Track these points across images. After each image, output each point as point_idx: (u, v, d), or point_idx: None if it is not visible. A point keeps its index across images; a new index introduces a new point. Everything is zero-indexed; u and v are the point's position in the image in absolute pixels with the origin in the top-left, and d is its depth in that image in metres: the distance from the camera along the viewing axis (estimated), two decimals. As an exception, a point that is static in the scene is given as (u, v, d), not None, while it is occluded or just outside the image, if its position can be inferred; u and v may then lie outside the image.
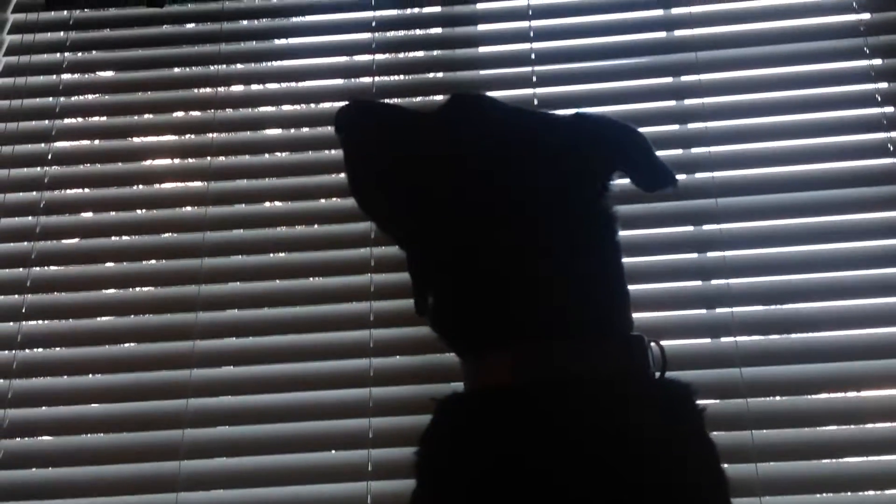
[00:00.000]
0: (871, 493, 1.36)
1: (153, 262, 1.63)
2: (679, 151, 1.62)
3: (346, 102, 1.00)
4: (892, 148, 1.56)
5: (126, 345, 1.57)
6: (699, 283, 1.54)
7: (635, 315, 0.95)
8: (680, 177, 1.56)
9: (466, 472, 0.81)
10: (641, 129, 1.57)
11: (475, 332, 0.91)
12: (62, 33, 1.83)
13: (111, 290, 1.62)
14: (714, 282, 1.52)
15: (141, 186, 1.70)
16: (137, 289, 1.62)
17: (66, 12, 1.84)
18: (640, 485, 0.77)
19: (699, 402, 0.89)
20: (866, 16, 1.67)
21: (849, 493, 1.37)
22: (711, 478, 0.85)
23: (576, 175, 0.96)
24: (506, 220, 0.91)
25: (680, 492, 0.79)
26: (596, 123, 1.02)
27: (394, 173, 0.97)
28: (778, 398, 1.43)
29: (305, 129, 1.73)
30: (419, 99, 1.72)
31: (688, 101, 1.65)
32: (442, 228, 0.94)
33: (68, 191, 1.71)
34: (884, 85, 1.61)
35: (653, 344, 0.92)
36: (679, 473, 0.80)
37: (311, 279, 1.58)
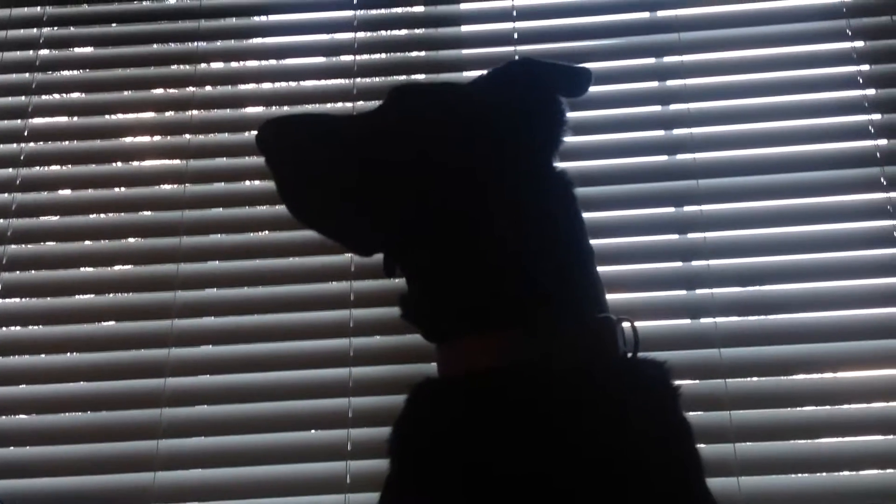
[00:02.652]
0: (847, 473, 1.38)
1: (131, 240, 1.61)
2: (661, 133, 1.62)
3: (266, 121, 0.97)
4: (872, 130, 1.56)
5: (104, 323, 1.56)
6: (680, 264, 1.54)
7: (616, 296, 0.95)
8: (661, 158, 1.59)
9: (438, 457, 0.81)
10: (623, 111, 1.60)
11: (443, 320, 0.91)
12: (38, 8, 1.80)
13: (89, 269, 1.61)
14: (694, 263, 1.52)
15: (119, 164, 1.68)
16: (115, 267, 1.61)
17: (43, -13, 1.81)
18: (609, 463, 0.77)
19: (676, 382, 0.89)
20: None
21: (825, 474, 1.38)
22: (685, 457, 0.85)
23: (522, 140, 0.96)
24: (461, 207, 0.91)
25: (651, 471, 0.79)
26: (528, 74, 1.01)
27: (330, 179, 0.95)
28: (756, 379, 1.44)
29: (286, 108, 1.72)
30: (402, 77, 1.71)
31: (670, 83, 1.65)
32: (400, 226, 0.93)
33: (45, 167, 1.69)
34: (865, 67, 1.61)
35: (626, 324, 0.92)
36: (650, 453, 0.80)
37: (291, 258, 1.57)
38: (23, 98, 1.72)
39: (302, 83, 1.74)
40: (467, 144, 0.94)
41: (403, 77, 1.71)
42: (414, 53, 1.74)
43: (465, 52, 1.72)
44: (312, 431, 1.46)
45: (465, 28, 1.75)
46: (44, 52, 1.77)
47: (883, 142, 1.55)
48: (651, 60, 1.68)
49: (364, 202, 0.94)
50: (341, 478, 1.40)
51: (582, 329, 0.88)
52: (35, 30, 1.78)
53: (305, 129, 0.98)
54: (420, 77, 1.70)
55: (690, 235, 1.54)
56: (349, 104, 1.67)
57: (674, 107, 1.63)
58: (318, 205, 0.97)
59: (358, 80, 1.69)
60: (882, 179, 1.53)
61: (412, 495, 0.83)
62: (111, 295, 1.58)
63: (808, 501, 1.35)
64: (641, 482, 0.78)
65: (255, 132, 0.97)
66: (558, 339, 0.85)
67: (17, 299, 1.59)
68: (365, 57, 1.72)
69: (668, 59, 1.67)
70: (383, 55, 1.75)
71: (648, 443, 0.81)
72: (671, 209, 1.57)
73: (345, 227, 0.99)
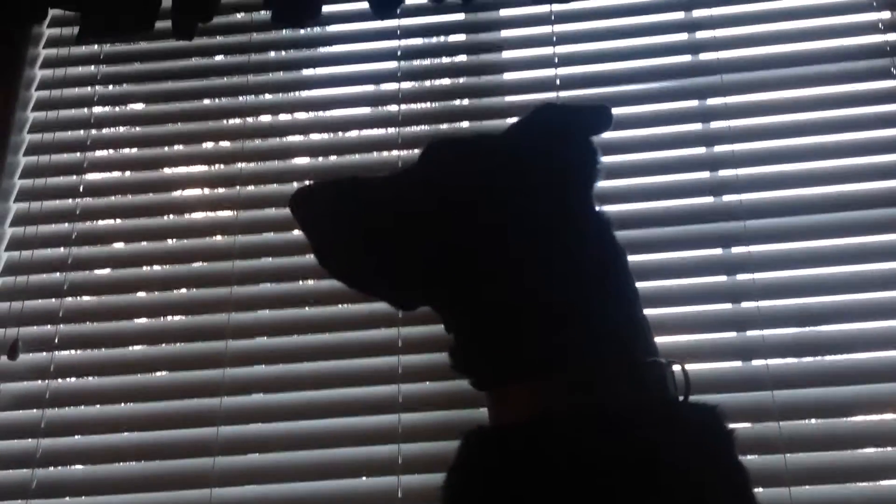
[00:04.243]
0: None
1: (184, 290, 1.64)
2: (706, 174, 1.62)
3: (298, 188, 1.00)
4: (922, 167, 1.55)
5: (158, 373, 1.58)
6: (729, 305, 1.53)
7: (667, 339, 0.94)
8: (707, 199, 1.58)
9: None
10: (667, 153, 1.60)
11: (491, 369, 0.91)
12: (93, 67, 1.86)
13: (143, 320, 1.64)
14: (744, 304, 1.51)
15: (171, 216, 1.72)
16: (168, 318, 1.64)
17: (96, 46, 1.87)
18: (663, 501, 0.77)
19: (729, 425, 0.88)
20: (892, 36, 1.66)
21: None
22: (742, 502, 0.84)
23: (557, 185, 0.96)
24: (499, 257, 0.91)
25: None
26: (557, 118, 1.03)
27: (362, 242, 0.97)
28: (811, 421, 1.41)
29: (333, 158, 1.75)
30: (445, 126, 1.73)
31: (714, 124, 1.65)
32: (444, 282, 0.94)
33: (100, 222, 1.73)
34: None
35: (676, 367, 0.91)
36: (707, 499, 0.79)
37: (340, 306, 1.58)
38: (78, 154, 1.77)
39: (347, 133, 1.77)
40: (500, 194, 0.95)
41: (447, 125, 1.73)
42: (457, 102, 1.76)
43: (508, 98, 1.74)
44: (363, 479, 1.47)
45: (507, 76, 1.77)
46: (98, 109, 1.83)
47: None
48: (695, 103, 1.68)
49: (397, 262, 0.96)
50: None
51: (629, 373, 0.87)
52: (89, 88, 1.84)
53: (336, 194, 1.00)
54: (464, 124, 1.72)
55: (739, 277, 1.53)
56: (395, 152, 1.70)
57: (718, 148, 1.63)
58: (354, 266, 0.99)
59: (403, 129, 1.72)
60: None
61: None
62: (165, 346, 1.61)
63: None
64: None
65: (302, 182, 0.99)
66: (605, 384, 0.85)
67: (73, 351, 1.62)
68: (409, 106, 1.75)
69: (711, 102, 1.68)
70: (427, 104, 1.78)
71: (704, 488, 0.80)
72: (719, 251, 1.57)
73: (382, 284, 1.00)
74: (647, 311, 0.94)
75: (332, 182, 1.03)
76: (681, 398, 0.89)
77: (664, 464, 0.79)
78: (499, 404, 0.90)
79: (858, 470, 1.38)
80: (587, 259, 0.93)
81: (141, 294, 1.65)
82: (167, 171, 1.77)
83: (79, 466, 1.54)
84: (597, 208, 0.99)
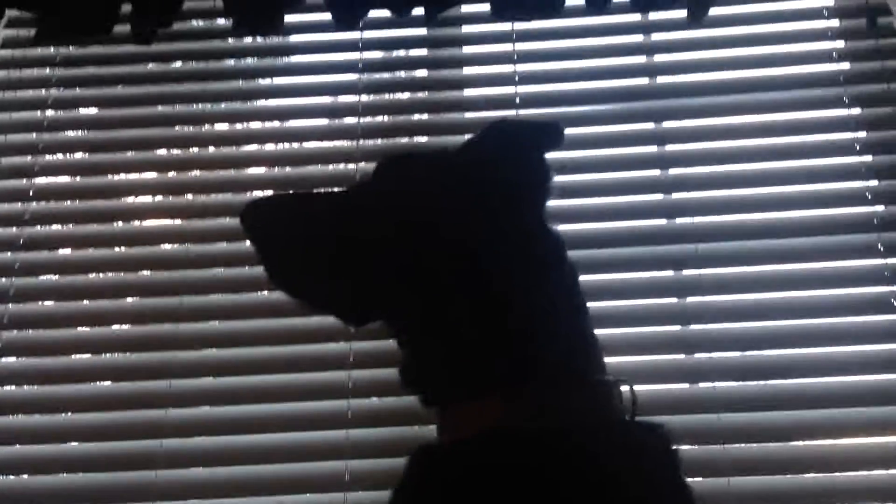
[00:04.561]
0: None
1: (131, 299, 1.61)
2: (660, 196, 1.63)
3: (249, 202, 1.00)
4: (869, 196, 1.57)
5: (102, 383, 1.56)
6: (678, 327, 1.54)
7: (616, 359, 0.94)
8: (660, 222, 1.59)
9: None
10: (623, 174, 1.62)
11: (442, 386, 0.91)
12: (48, 69, 1.83)
13: (88, 328, 1.61)
14: (693, 326, 1.53)
15: (121, 223, 1.69)
16: (115, 327, 1.61)
17: (52, 49, 1.84)
18: None
19: (675, 446, 0.88)
20: (845, 65, 1.69)
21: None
22: None
23: (509, 202, 0.96)
24: (456, 276, 0.91)
25: None
26: (510, 134, 1.04)
27: (311, 257, 0.97)
28: (756, 445, 1.42)
29: (288, 169, 1.74)
30: (405, 140, 1.73)
31: (669, 147, 1.67)
32: (395, 299, 0.94)
33: (49, 227, 1.70)
34: (862, 134, 1.63)
35: (624, 387, 0.91)
36: None
37: (291, 319, 1.56)
38: (29, 158, 1.74)
39: (305, 144, 1.75)
40: (453, 211, 0.95)
41: (406, 139, 1.73)
42: (417, 116, 1.76)
43: (468, 115, 1.74)
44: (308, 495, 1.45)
45: (467, 92, 1.77)
46: (51, 112, 1.79)
47: (880, 208, 1.57)
48: (651, 125, 1.70)
49: (348, 277, 0.96)
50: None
51: (580, 391, 0.87)
52: (44, 91, 1.81)
53: (286, 210, 1.00)
54: (423, 139, 1.72)
55: (689, 299, 1.54)
56: (352, 165, 1.69)
57: (673, 171, 1.64)
58: (304, 281, 0.99)
59: (361, 142, 1.71)
60: (879, 246, 1.53)
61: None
62: (110, 355, 1.58)
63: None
64: None
65: (256, 192, 0.99)
66: (553, 402, 0.85)
67: (15, 358, 1.59)
68: (368, 119, 1.75)
69: (667, 125, 1.69)
70: (387, 118, 1.77)
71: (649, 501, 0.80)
72: (670, 273, 1.58)
73: (332, 300, 1.00)
74: (598, 331, 0.95)
75: (284, 196, 1.04)
76: (628, 417, 0.90)
77: (611, 482, 0.79)
78: (449, 421, 0.90)
79: (801, 493, 1.39)
80: (540, 277, 0.93)
81: (86, 302, 1.62)
82: (119, 176, 1.74)
83: (21, 477, 1.51)
84: (550, 226, 0.99)
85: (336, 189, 1.06)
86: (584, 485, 0.79)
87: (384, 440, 1.46)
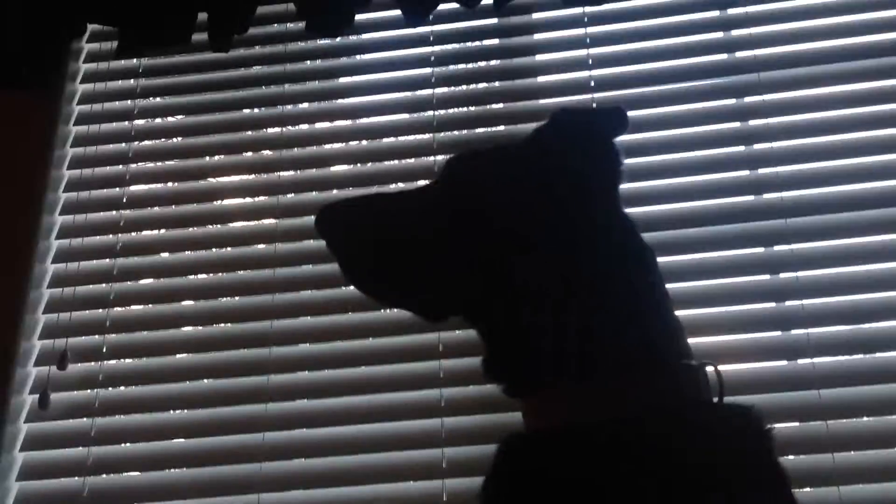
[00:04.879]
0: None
1: (227, 299, 1.66)
2: (746, 172, 1.61)
3: (323, 206, 1.02)
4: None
5: (204, 381, 1.61)
6: (773, 304, 1.52)
7: (710, 339, 0.93)
8: (748, 198, 1.58)
9: None
10: (706, 152, 1.60)
11: (521, 377, 0.92)
12: (132, 80, 1.89)
13: (188, 328, 1.66)
14: (788, 303, 1.51)
15: (214, 226, 1.74)
16: (213, 326, 1.66)
17: (135, 60, 1.90)
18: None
19: (768, 425, 0.87)
20: None
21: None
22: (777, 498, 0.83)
23: (581, 190, 0.96)
24: (532, 268, 0.92)
25: None
26: (577, 122, 1.04)
27: (387, 257, 0.99)
28: (859, 419, 1.40)
29: (370, 164, 1.76)
30: (481, 130, 1.74)
31: (752, 122, 1.65)
32: (472, 293, 0.95)
33: (143, 232, 1.76)
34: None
35: (710, 368, 0.91)
36: (745, 501, 0.79)
37: (382, 311, 1.59)
38: (120, 167, 1.80)
39: (384, 140, 1.78)
40: (525, 203, 0.96)
41: (482, 129, 1.74)
42: (492, 106, 1.77)
43: (543, 101, 1.74)
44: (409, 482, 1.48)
45: (541, 79, 1.77)
46: (138, 121, 1.85)
47: None
48: (732, 101, 1.68)
49: (422, 275, 0.98)
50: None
51: (661, 378, 0.87)
52: (129, 101, 1.87)
53: (359, 211, 1.02)
54: (499, 128, 1.73)
55: (782, 275, 1.52)
56: (430, 158, 1.71)
57: (757, 146, 1.62)
58: (379, 281, 1.01)
59: (438, 134, 1.73)
60: None
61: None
62: (210, 353, 1.63)
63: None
64: None
65: (339, 190, 1.02)
66: (636, 390, 0.85)
67: (121, 360, 1.64)
68: (444, 112, 1.76)
69: (748, 100, 1.67)
70: (462, 109, 1.78)
71: (741, 490, 0.79)
72: (761, 249, 1.56)
73: (409, 298, 1.02)
74: (689, 312, 0.94)
75: (357, 198, 1.06)
76: (715, 399, 0.89)
77: (699, 467, 0.79)
78: (531, 411, 0.91)
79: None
80: (615, 264, 0.93)
81: (186, 302, 1.67)
82: (208, 181, 1.79)
83: (129, 473, 1.57)
84: (623, 212, 0.99)
85: (408, 187, 1.07)
86: (669, 472, 0.78)
87: (478, 427, 1.48)
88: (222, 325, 1.66)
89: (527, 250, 0.92)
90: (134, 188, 1.79)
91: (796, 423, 1.41)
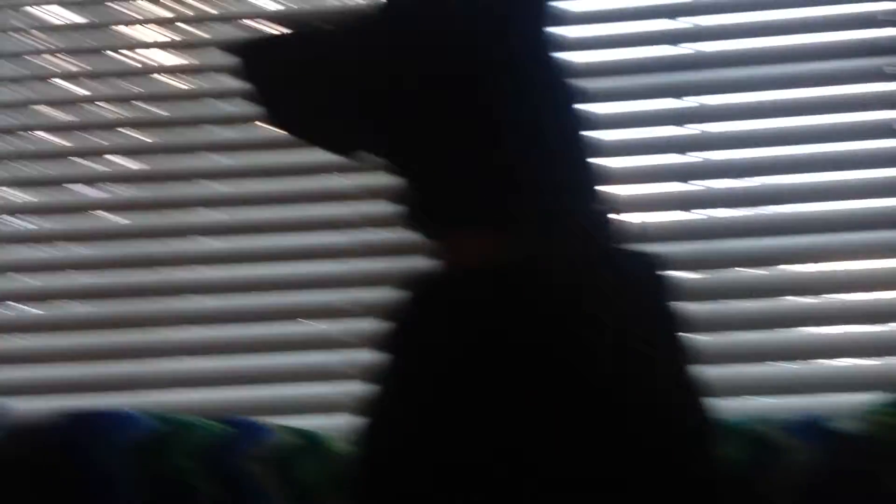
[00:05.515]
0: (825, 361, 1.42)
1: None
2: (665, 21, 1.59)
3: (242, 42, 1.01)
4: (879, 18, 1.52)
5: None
6: (677, 156, 1.54)
7: (612, 189, 0.95)
8: (666, 49, 1.57)
9: (446, 347, 0.84)
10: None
11: (445, 214, 0.93)
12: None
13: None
14: (691, 155, 1.53)
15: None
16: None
17: None
18: (597, 352, 0.81)
19: (666, 273, 0.91)
20: None
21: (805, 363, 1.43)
22: (673, 345, 0.88)
23: (502, 25, 0.95)
24: (455, 105, 0.92)
25: (639, 359, 0.83)
26: None
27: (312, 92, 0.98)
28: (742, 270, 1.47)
29: None
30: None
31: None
32: (382, 128, 0.96)
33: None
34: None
35: (616, 216, 0.93)
36: (642, 346, 0.84)
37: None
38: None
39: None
40: (456, 39, 0.94)
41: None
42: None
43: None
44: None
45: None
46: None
47: (888, 31, 1.52)
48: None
49: (344, 110, 0.98)
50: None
51: (570, 222, 0.89)
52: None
53: (287, 46, 1.01)
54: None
55: (688, 127, 1.54)
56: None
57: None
58: (300, 118, 1.01)
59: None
60: (885, 69, 1.50)
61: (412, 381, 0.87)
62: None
63: (785, 388, 1.40)
64: (630, 367, 0.82)
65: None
66: (544, 233, 0.87)
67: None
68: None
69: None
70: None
71: (640, 335, 0.84)
72: (670, 100, 1.56)
73: (328, 133, 1.03)
74: (597, 161, 0.95)
75: (284, 35, 1.04)
76: (621, 247, 0.92)
77: (597, 309, 0.83)
78: (445, 252, 0.92)
79: (786, 315, 1.46)
80: (543, 106, 0.93)
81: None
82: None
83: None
84: (548, 52, 0.98)
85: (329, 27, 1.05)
86: (570, 311, 0.82)
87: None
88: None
89: (449, 85, 0.92)
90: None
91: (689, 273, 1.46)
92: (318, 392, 1.44)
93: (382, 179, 0.99)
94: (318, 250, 1.54)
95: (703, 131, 1.53)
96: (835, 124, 1.51)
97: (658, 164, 1.54)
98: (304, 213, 1.56)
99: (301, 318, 1.50)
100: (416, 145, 0.94)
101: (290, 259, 1.54)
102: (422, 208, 0.95)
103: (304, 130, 1.04)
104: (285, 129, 1.04)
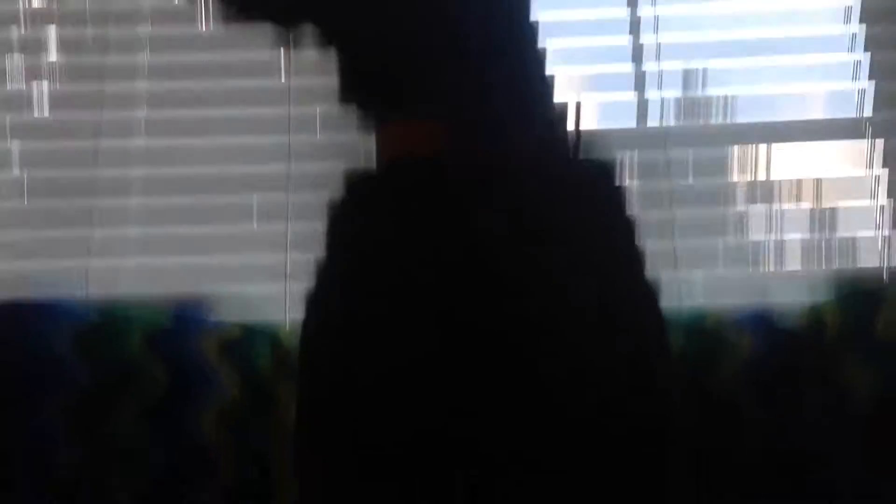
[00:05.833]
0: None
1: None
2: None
3: None
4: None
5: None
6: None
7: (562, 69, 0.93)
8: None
9: (376, 244, 0.81)
10: None
11: (384, 99, 0.89)
12: None
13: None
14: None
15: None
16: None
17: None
18: (549, 254, 0.78)
19: (620, 182, 0.89)
20: None
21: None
22: (628, 251, 0.85)
23: None
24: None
25: (594, 266, 0.80)
26: None
27: None
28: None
29: None
30: None
31: None
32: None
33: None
34: None
35: (571, 122, 0.90)
36: (593, 245, 0.81)
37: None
38: None
39: None
40: None
41: None
42: None
43: None
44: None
45: None
46: None
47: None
48: None
49: None
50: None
51: (520, 124, 0.86)
52: None
53: None
54: None
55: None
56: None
57: None
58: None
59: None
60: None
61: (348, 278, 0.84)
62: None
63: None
64: (584, 273, 0.79)
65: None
66: (494, 131, 0.84)
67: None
68: None
69: None
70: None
71: (593, 237, 0.82)
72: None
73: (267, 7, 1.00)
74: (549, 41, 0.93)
75: None
76: (573, 155, 0.88)
77: (548, 215, 0.80)
78: (383, 143, 0.88)
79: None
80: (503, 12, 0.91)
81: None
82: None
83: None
84: None
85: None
86: (517, 215, 0.79)
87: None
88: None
89: None
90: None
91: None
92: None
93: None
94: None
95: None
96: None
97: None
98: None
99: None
100: (358, 22, 0.90)
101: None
102: (361, 91, 0.91)
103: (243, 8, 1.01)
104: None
